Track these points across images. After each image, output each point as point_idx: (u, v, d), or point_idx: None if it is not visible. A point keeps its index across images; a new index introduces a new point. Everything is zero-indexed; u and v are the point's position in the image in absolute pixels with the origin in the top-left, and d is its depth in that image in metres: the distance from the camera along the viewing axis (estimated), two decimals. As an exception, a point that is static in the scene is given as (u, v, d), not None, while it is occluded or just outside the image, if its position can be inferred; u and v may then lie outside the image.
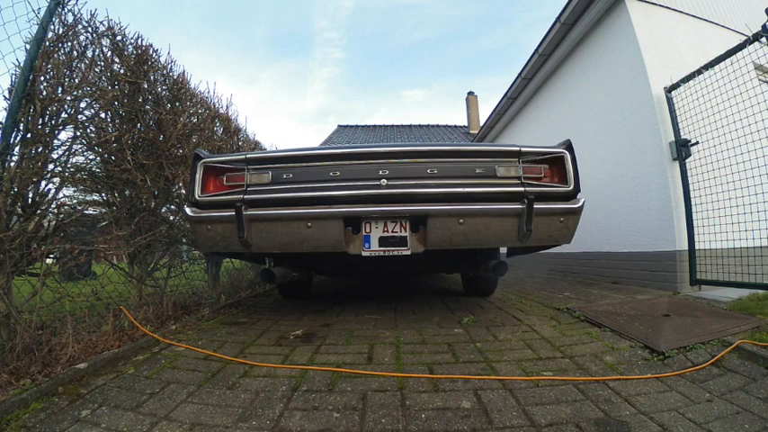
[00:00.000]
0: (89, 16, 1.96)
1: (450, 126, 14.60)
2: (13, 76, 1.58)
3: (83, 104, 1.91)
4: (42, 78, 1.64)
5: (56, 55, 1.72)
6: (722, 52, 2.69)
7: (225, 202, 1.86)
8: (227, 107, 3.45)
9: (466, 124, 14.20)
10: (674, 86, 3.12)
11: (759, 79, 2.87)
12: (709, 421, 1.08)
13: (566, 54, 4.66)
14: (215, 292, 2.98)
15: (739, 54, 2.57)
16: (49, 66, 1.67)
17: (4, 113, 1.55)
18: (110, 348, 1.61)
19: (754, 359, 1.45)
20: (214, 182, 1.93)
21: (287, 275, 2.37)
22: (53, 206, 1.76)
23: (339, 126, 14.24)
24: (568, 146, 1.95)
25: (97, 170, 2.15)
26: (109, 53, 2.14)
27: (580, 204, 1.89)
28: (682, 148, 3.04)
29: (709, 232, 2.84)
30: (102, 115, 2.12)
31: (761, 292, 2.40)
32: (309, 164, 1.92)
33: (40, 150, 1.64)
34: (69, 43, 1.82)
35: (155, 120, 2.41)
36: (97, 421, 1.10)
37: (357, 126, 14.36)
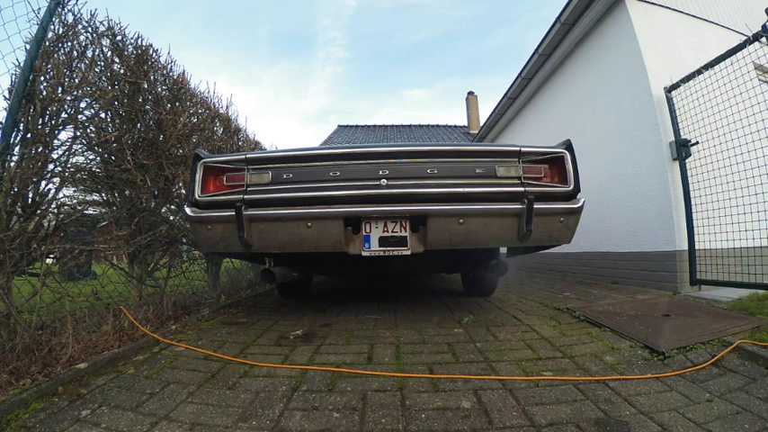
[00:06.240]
0: (89, 16, 1.96)
1: (450, 126, 14.60)
2: (13, 76, 1.58)
3: (83, 104, 1.91)
4: (42, 78, 1.65)
5: (56, 55, 1.72)
6: (722, 52, 2.69)
7: (225, 202, 1.86)
8: (227, 107, 3.46)
9: (466, 124, 14.20)
10: (674, 86, 3.12)
11: (759, 79, 2.87)
12: (709, 421, 1.08)
13: (566, 54, 4.66)
14: (215, 292, 2.98)
15: (739, 54, 2.57)
16: (49, 66, 1.67)
17: (5, 113, 1.55)
18: (110, 348, 1.61)
19: (754, 359, 1.45)
20: (214, 182, 1.93)
21: (287, 275, 2.37)
22: (53, 206, 1.76)
23: (339, 126, 14.24)
24: (568, 146, 1.95)
25: (97, 170, 2.15)
26: (109, 53, 2.14)
27: (580, 204, 1.89)
28: (682, 148, 3.04)
29: (709, 232, 2.84)
30: (102, 115, 2.12)
31: (761, 292, 2.40)
32: (309, 164, 1.92)
33: (40, 150, 1.64)
34: (69, 43, 1.82)
35: (155, 120, 2.42)
36: (97, 421, 1.10)
37: (357, 126, 14.36)
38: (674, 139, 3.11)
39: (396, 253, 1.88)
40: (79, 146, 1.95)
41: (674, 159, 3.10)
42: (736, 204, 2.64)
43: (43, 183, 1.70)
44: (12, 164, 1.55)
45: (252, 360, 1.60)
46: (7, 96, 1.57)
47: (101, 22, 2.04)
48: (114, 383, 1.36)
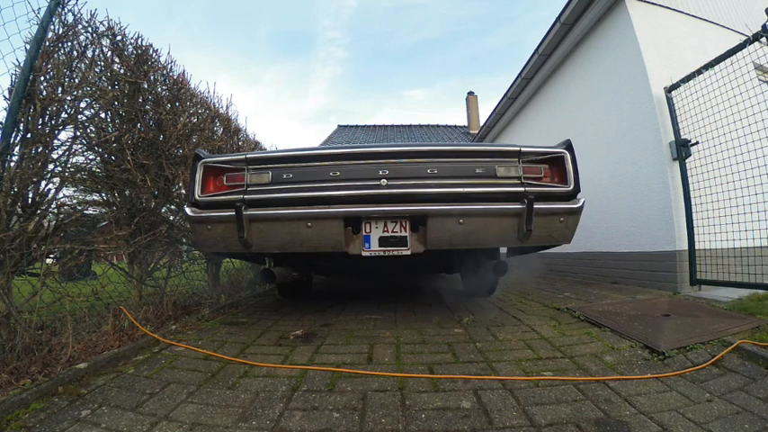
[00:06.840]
0: (89, 16, 1.96)
1: (450, 126, 14.60)
2: (13, 76, 1.58)
3: (83, 104, 1.91)
4: (42, 78, 1.64)
5: (56, 55, 1.72)
6: (722, 52, 2.69)
7: (225, 202, 1.86)
8: (227, 107, 3.45)
9: (466, 124, 14.20)
10: (674, 86, 3.12)
11: (759, 79, 2.87)
12: (709, 421, 1.08)
13: (566, 54, 4.66)
14: (215, 292, 2.98)
15: (739, 54, 2.57)
16: (49, 66, 1.67)
17: (5, 113, 1.55)
18: (110, 348, 1.61)
19: (754, 359, 1.45)
20: (214, 182, 1.93)
21: (287, 275, 2.37)
22: (53, 206, 1.76)
23: (339, 126, 14.24)
24: (568, 146, 1.95)
25: (97, 170, 2.15)
26: (109, 53, 2.14)
27: (580, 204, 1.89)
28: (682, 148, 3.04)
29: (709, 232, 2.84)
30: (102, 115, 2.12)
31: (761, 292, 2.40)
32: (309, 164, 1.92)
33: (40, 150, 1.64)
34: (69, 43, 1.82)
35: (155, 120, 2.42)
36: (97, 421, 1.10)
37: (357, 126, 14.36)
38: (673, 139, 3.11)
39: (396, 253, 1.88)
40: (79, 146, 1.95)
41: (674, 159, 3.10)
42: (736, 204, 2.64)
43: (43, 183, 1.70)
44: (12, 164, 1.55)
45: (252, 360, 1.60)
46: (7, 96, 1.57)
47: (101, 22, 2.04)
48: (114, 383, 1.36)
